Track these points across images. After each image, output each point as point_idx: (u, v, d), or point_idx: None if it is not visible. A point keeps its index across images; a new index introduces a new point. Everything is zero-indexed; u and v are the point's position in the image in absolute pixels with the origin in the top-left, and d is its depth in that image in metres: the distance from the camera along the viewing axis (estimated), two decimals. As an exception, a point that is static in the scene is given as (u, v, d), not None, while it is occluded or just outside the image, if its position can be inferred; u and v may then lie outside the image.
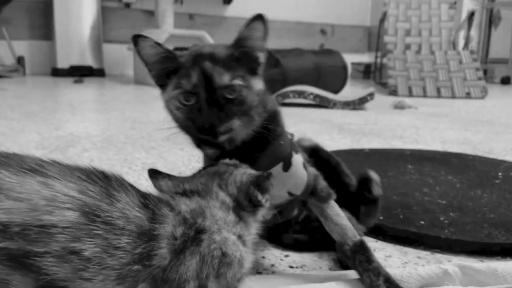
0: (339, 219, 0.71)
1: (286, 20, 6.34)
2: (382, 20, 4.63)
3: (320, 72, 3.39)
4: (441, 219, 0.95)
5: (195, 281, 0.44)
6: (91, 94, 3.44)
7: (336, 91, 3.53)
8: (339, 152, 1.57)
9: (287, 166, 0.69)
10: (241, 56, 0.65)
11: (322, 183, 0.74)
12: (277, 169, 0.68)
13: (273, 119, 0.70)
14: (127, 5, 5.13)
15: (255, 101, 0.65)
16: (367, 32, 7.12)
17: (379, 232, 0.92)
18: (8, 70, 4.51)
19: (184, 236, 0.45)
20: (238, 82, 0.63)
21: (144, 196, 0.45)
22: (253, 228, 0.53)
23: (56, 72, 4.59)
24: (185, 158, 1.49)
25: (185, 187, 0.54)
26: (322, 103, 2.85)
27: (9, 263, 0.36)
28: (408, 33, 4.39)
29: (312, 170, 0.75)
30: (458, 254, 0.84)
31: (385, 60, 5.14)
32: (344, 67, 3.50)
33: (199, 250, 0.45)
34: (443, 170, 1.35)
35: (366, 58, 6.90)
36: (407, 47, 4.28)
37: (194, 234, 0.46)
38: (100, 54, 4.80)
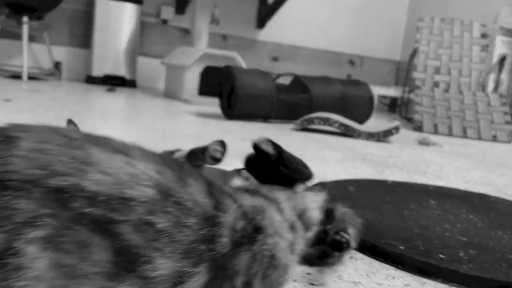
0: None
1: (315, 48, 6.43)
2: (412, 56, 4.67)
3: (347, 101, 3.43)
4: (461, 254, 0.97)
5: (244, 276, 0.48)
6: (122, 103, 3.55)
7: (361, 121, 3.56)
8: (361, 181, 1.59)
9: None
10: None
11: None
12: None
13: None
14: (164, 22, 5.31)
15: None
16: (395, 66, 7.16)
17: (398, 261, 0.94)
18: (45, 74, 4.70)
19: (243, 231, 0.49)
20: None
21: (210, 185, 0.50)
22: (303, 241, 0.57)
23: (90, 80, 4.75)
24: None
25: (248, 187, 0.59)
26: (347, 132, 2.88)
27: (92, 227, 0.40)
28: (437, 71, 4.41)
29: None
30: (475, 290, 0.86)
31: (412, 96, 5.16)
32: (370, 98, 3.54)
33: (253, 248, 0.50)
34: (464, 209, 1.37)
35: (392, 92, 6.92)
36: (436, 84, 4.29)
37: (251, 231, 0.50)
38: (133, 66, 4.95)
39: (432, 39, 4.64)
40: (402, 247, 0.97)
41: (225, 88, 3.21)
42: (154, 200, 0.43)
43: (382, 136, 2.83)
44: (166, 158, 0.49)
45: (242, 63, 4.22)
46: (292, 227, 0.55)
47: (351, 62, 6.85)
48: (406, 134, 3.41)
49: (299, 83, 3.45)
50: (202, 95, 4.22)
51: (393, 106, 6.14)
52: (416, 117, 3.88)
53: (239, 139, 2.33)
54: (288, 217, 0.55)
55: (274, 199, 0.56)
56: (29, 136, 0.43)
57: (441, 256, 0.94)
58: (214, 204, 0.48)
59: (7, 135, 0.43)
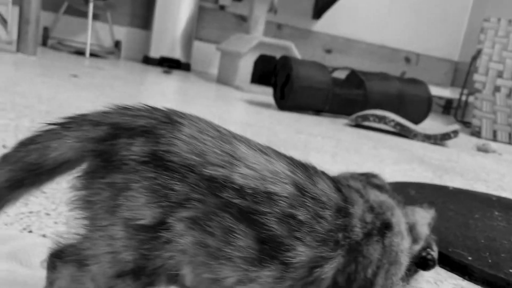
0: None
1: (370, 42, 6.29)
2: (475, 58, 4.48)
3: (403, 100, 3.35)
4: (532, 271, 0.94)
5: (373, 268, 0.51)
6: (178, 85, 3.63)
7: (416, 122, 3.47)
8: (422, 185, 1.57)
9: None
10: None
11: None
12: None
13: None
14: (222, 8, 5.35)
15: None
16: (453, 67, 6.90)
17: (466, 272, 0.93)
18: (105, 52, 4.86)
19: (372, 224, 0.52)
20: None
21: (335, 181, 0.53)
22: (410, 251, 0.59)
23: (147, 60, 4.88)
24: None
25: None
26: (402, 132, 2.82)
27: (237, 215, 0.44)
28: (500, 74, 4.22)
29: None
30: (548, 310, 0.83)
31: (471, 99, 4.97)
32: (429, 99, 3.44)
33: (383, 242, 0.52)
34: (531, 223, 1.32)
35: (448, 93, 6.69)
36: (497, 89, 4.11)
37: (380, 225, 0.52)
38: (189, 50, 5.03)
39: (497, 41, 4.43)
40: (470, 258, 0.95)
41: (280, 78, 3.21)
42: (294, 195, 0.46)
43: (440, 139, 2.75)
44: (293, 159, 0.52)
45: (297, 54, 4.20)
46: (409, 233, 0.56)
47: (407, 59, 6.66)
48: (463, 139, 3.30)
49: (355, 78, 3.41)
50: (254, 83, 4.24)
51: (447, 108, 5.95)
52: (475, 121, 3.74)
53: (293, 131, 2.34)
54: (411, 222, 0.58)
55: (397, 200, 0.58)
56: (190, 123, 0.47)
57: (511, 270, 0.92)
58: (343, 198, 0.51)
59: (171, 118, 0.47)
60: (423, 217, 0.67)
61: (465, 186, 1.77)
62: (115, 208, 0.43)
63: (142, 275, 0.45)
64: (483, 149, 2.82)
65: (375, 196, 0.56)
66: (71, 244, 0.47)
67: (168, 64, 4.86)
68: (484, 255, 0.99)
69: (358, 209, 0.52)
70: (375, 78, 3.36)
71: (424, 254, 0.72)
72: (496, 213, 1.38)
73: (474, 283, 0.90)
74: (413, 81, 3.53)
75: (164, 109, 0.50)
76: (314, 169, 0.53)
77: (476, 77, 4.29)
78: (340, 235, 0.48)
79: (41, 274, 0.58)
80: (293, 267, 0.45)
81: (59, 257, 0.48)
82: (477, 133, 3.67)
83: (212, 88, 3.91)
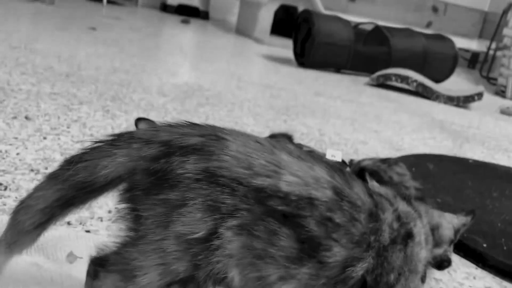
0: None
1: (398, -10, 6.01)
2: (506, 11, 4.26)
3: (428, 57, 3.25)
4: (546, 260, 0.94)
5: (395, 274, 0.54)
6: (197, 38, 3.57)
7: (440, 80, 3.38)
8: (441, 157, 1.55)
9: None
10: None
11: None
12: None
13: None
14: (242, -49, 5.12)
15: None
16: (482, 17, 6.59)
17: (480, 259, 0.94)
18: (123, -1, 4.76)
19: (397, 231, 0.54)
20: None
21: (367, 187, 0.55)
22: (431, 255, 0.60)
23: (165, 8, 4.77)
24: (289, 133, 1.55)
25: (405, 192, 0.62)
26: (424, 93, 2.76)
27: (281, 219, 0.47)
28: (531, 29, 4.02)
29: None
30: (559, 302, 0.85)
31: (498, 54, 4.79)
32: (454, 57, 3.33)
33: (405, 250, 0.54)
34: (551, 203, 1.31)
35: (475, 45, 6.44)
36: (527, 44, 3.94)
37: (404, 234, 0.55)
38: (208, -3, 4.89)
39: (532, -7, 4.19)
40: (485, 245, 0.96)
41: (301, 33, 3.13)
42: (332, 200, 0.49)
43: (462, 102, 2.69)
44: (330, 163, 0.55)
45: (320, 4, 4.05)
46: (426, 241, 0.58)
47: (434, 9, 6.37)
48: (487, 100, 3.22)
49: (379, 34, 3.29)
50: (274, 34, 4.14)
51: (473, 61, 5.75)
52: (500, 80, 3.63)
53: (313, 93, 2.31)
54: (427, 231, 0.59)
55: (420, 212, 0.59)
56: (234, 139, 0.49)
57: (526, 260, 0.93)
58: (375, 203, 0.53)
59: (217, 135, 0.49)
60: (449, 221, 0.68)
61: (486, 157, 1.75)
62: (168, 223, 0.45)
63: (191, 283, 0.48)
64: (507, 113, 2.75)
65: (403, 206, 0.58)
66: (115, 252, 0.49)
67: (187, 13, 4.76)
68: (500, 241, 0.99)
69: (388, 216, 0.54)
70: (400, 34, 3.24)
71: (441, 256, 0.73)
72: (515, 190, 1.36)
73: (488, 271, 0.91)
74: (439, 38, 3.40)
75: (209, 126, 0.52)
76: (350, 174, 0.55)
77: (506, 31, 4.10)
78: (372, 238, 0.51)
79: (67, 269, 0.61)
80: (329, 266, 0.49)
81: (102, 266, 0.49)
82: (501, 93, 3.56)
83: (230, 40, 3.84)
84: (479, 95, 2.65)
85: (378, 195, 0.56)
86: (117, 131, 1.20)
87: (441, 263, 0.72)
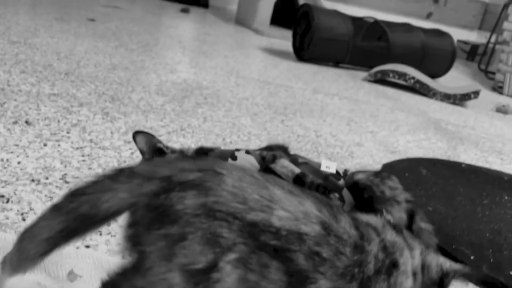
0: (285, 167, 0.91)
1: (398, -19, 5.98)
2: (507, 5, 4.25)
3: (427, 53, 3.25)
4: (531, 272, 0.98)
5: None
6: (196, 30, 3.56)
7: (438, 75, 3.40)
8: (434, 162, 1.58)
9: (234, 158, 0.93)
10: (154, 156, 0.91)
11: (267, 153, 0.94)
12: (230, 161, 0.92)
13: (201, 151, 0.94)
14: None
15: None
16: (483, 9, 6.56)
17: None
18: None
19: (383, 262, 0.57)
20: None
21: (354, 219, 0.58)
22: None
23: (165, -4, 4.74)
24: (285, 134, 1.57)
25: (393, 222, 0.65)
26: (421, 90, 2.78)
27: (272, 253, 0.50)
28: (531, 24, 4.02)
29: (259, 152, 0.96)
30: (540, 315, 0.88)
31: (498, 47, 4.78)
32: (452, 53, 3.34)
33: (389, 280, 0.57)
34: (540, 210, 1.34)
35: (475, 37, 6.43)
36: (526, 39, 3.94)
37: (389, 264, 0.57)
38: (207, -15, 4.86)
39: (534, -13, 4.17)
40: (472, 257, 0.99)
41: (300, 27, 3.12)
42: (320, 235, 0.53)
43: (459, 99, 2.71)
44: (319, 197, 0.58)
45: (320, -4, 4.03)
46: (414, 272, 0.60)
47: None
48: (484, 96, 3.23)
49: (378, 28, 3.29)
50: (274, 24, 4.12)
51: (472, 54, 5.74)
52: (498, 76, 3.64)
53: (311, 90, 2.32)
54: (416, 265, 0.61)
55: (410, 245, 0.63)
56: (230, 173, 0.52)
57: (511, 273, 0.96)
58: (361, 236, 0.56)
59: (214, 170, 0.52)
60: (439, 264, 0.69)
61: (479, 159, 1.78)
62: (171, 256, 0.48)
63: None
64: (502, 111, 2.77)
65: (390, 236, 0.61)
66: (126, 279, 0.52)
67: (187, 1, 4.73)
68: (487, 252, 1.03)
69: (374, 247, 0.57)
70: (399, 29, 3.24)
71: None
72: (506, 197, 1.39)
73: (474, 283, 0.94)
74: (438, 33, 3.40)
75: (207, 160, 0.55)
76: (337, 207, 0.58)
77: (506, 25, 4.09)
78: (356, 270, 0.54)
79: (68, 287, 0.64)
80: None
81: None
82: (499, 89, 3.58)
83: (230, 31, 3.83)
84: (475, 93, 2.67)
85: (366, 225, 0.59)
86: (116, 135, 1.22)
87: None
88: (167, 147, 0.95)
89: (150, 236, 0.48)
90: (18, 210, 0.80)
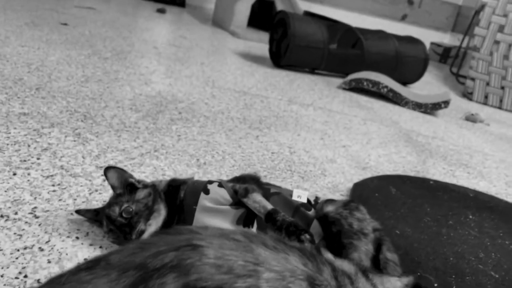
0: (257, 202, 0.93)
1: (374, -18, 6.05)
2: (478, 12, 4.36)
3: (400, 60, 3.32)
4: (491, 298, 1.02)
5: None
6: (173, 33, 3.52)
7: (411, 81, 3.47)
8: (404, 179, 1.62)
9: (206, 191, 0.95)
10: (125, 190, 0.93)
11: (240, 186, 0.97)
12: (202, 196, 0.94)
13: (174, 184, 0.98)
14: None
15: (141, 204, 0.90)
16: (456, 11, 6.70)
17: (430, 298, 1.01)
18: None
19: None
20: (124, 206, 0.89)
21: (334, 270, 0.61)
22: None
23: (140, -6, 4.68)
24: (260, 152, 1.59)
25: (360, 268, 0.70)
26: (394, 99, 2.83)
27: None
28: (501, 29, 4.13)
29: (231, 185, 0.98)
30: None
31: (469, 51, 4.89)
32: (425, 60, 3.41)
33: None
34: (501, 229, 1.40)
35: (448, 39, 6.56)
36: (496, 43, 4.05)
37: None
38: (184, -16, 4.82)
39: (504, -7, 4.28)
40: (436, 285, 1.03)
41: (277, 33, 3.14)
42: None
43: (430, 109, 2.77)
44: (302, 249, 0.60)
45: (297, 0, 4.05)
46: None
47: (410, 2, 6.44)
48: (455, 104, 3.32)
49: (353, 35, 3.33)
50: (251, 26, 4.12)
51: (445, 56, 5.87)
52: (468, 83, 3.73)
53: (286, 101, 2.34)
54: None
55: (377, 285, 0.67)
56: (210, 243, 0.52)
57: (472, 300, 1.01)
58: (339, 285, 0.59)
59: (191, 244, 0.52)
60: (394, 286, 0.74)
61: (447, 173, 1.83)
62: None
63: None
64: (471, 120, 2.85)
65: (362, 284, 0.65)
66: None
67: (163, 0, 4.68)
68: (450, 279, 1.07)
69: None
70: (374, 36, 3.29)
71: None
72: (471, 216, 1.45)
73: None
74: (412, 40, 3.46)
75: (182, 233, 0.55)
76: (320, 257, 0.61)
77: (477, 30, 4.20)
78: None
79: None
80: None
81: None
82: (469, 95, 3.67)
83: (207, 34, 3.81)
84: (446, 103, 2.74)
85: (342, 274, 0.63)
86: (87, 159, 1.21)
87: None
88: (138, 182, 0.96)
89: None
90: (-14, 252, 0.79)
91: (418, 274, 1.06)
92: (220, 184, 0.97)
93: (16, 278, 0.75)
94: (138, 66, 2.28)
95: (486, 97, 3.66)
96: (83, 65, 2.05)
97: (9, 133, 1.25)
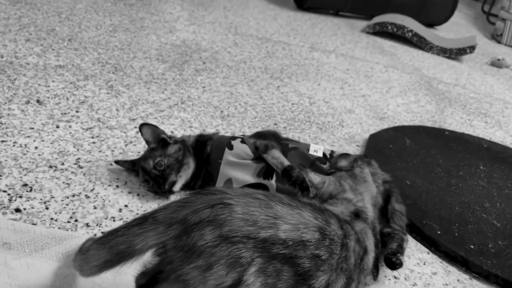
0: (275, 159, 1.01)
1: None
2: None
3: (427, 1, 3.22)
4: (490, 246, 1.12)
5: (355, 285, 0.75)
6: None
7: (438, 23, 3.39)
8: (419, 130, 1.68)
9: (230, 147, 1.03)
10: (158, 145, 1.03)
11: (260, 142, 1.05)
12: (227, 151, 1.02)
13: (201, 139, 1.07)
14: None
15: (172, 158, 1.00)
16: None
17: (432, 243, 1.11)
18: None
19: (358, 254, 0.74)
20: (157, 159, 0.99)
21: (339, 220, 0.74)
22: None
23: None
24: (280, 103, 1.65)
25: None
26: (418, 43, 2.80)
27: (283, 260, 0.63)
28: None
29: (253, 141, 1.06)
30: (491, 285, 1.03)
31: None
32: (454, 1, 3.30)
33: (362, 265, 0.76)
34: (510, 180, 1.47)
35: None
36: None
37: (362, 254, 0.76)
38: None
39: None
40: (439, 232, 1.12)
41: (301, -27, 3.07)
42: (318, 240, 0.67)
43: (455, 54, 2.74)
44: (312, 204, 0.72)
45: None
46: (376, 245, 0.79)
47: None
48: (481, 46, 3.25)
49: (380, -26, 3.23)
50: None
51: (478, -7, 5.59)
52: (498, 24, 3.62)
53: (308, 47, 2.36)
54: (374, 237, 0.81)
55: (369, 221, 0.81)
56: (237, 202, 0.64)
57: (471, 247, 1.10)
58: (345, 234, 0.72)
59: (223, 202, 0.63)
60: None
61: (464, 123, 1.87)
62: (205, 281, 0.60)
63: None
64: (497, 65, 2.82)
65: (358, 225, 0.79)
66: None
67: None
68: (454, 227, 1.16)
69: (352, 242, 0.73)
70: (401, -24, 3.18)
71: (394, 259, 0.90)
72: (482, 167, 1.51)
73: (438, 255, 1.09)
74: (441, -21, 3.34)
75: (214, 192, 0.66)
76: (328, 211, 0.73)
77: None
78: (344, 264, 0.70)
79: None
80: None
81: None
82: (498, 37, 3.58)
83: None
84: (471, 48, 2.70)
85: (346, 223, 0.76)
86: (121, 112, 1.31)
87: (394, 265, 0.89)
88: (170, 137, 1.05)
89: (185, 270, 0.60)
90: (41, 199, 0.92)
91: (423, 222, 1.15)
92: (243, 140, 1.06)
93: (68, 222, 0.88)
94: (163, 13, 2.31)
95: (515, 39, 3.56)
96: (110, 13, 2.10)
97: (49, 86, 1.35)
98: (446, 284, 1.00)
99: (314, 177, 0.95)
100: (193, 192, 0.66)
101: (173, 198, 1.02)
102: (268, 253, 0.62)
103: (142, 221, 0.63)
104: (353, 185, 0.97)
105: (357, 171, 1.02)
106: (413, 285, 0.96)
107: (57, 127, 1.17)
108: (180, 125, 1.32)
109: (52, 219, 0.88)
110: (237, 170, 1.02)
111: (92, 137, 1.16)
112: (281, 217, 0.65)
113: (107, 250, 0.62)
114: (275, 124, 1.47)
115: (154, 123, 1.29)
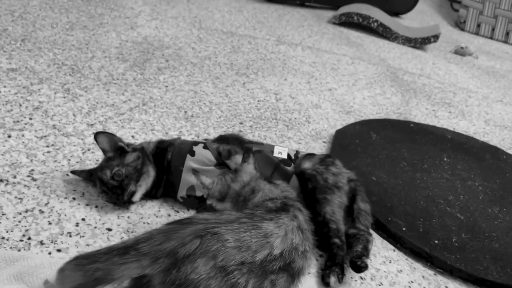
0: (237, 165, 1.00)
1: None
2: None
3: (392, -10, 3.24)
4: (454, 240, 1.13)
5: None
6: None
7: (403, 12, 3.42)
8: (385, 123, 1.69)
9: (192, 153, 1.01)
10: (115, 154, 0.99)
11: (223, 148, 1.03)
12: (189, 157, 1.00)
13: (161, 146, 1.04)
14: None
15: (131, 167, 0.96)
16: None
17: (398, 240, 1.11)
18: None
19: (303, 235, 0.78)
20: (115, 170, 0.95)
21: (302, 210, 0.81)
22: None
23: None
24: (246, 100, 1.63)
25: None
26: (384, 33, 2.82)
27: (279, 271, 0.66)
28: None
29: (216, 146, 1.04)
30: (456, 279, 1.05)
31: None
32: (418, -11, 3.33)
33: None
34: (473, 171, 1.49)
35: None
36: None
37: (302, 233, 0.79)
38: None
39: None
40: (404, 228, 1.13)
41: (265, -36, 3.03)
42: (301, 238, 0.73)
43: (419, 43, 2.77)
44: (285, 208, 0.77)
45: None
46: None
47: None
48: (445, 33, 3.29)
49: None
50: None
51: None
52: (461, 11, 3.67)
53: (274, 41, 2.33)
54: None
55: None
56: (226, 229, 0.64)
57: (436, 242, 1.11)
58: (305, 220, 0.80)
59: (211, 232, 0.63)
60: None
61: (429, 114, 1.89)
62: None
63: None
64: (460, 53, 2.86)
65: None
66: None
67: None
68: (418, 222, 1.17)
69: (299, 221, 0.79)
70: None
71: (359, 263, 0.89)
72: (445, 159, 1.53)
73: (404, 252, 1.10)
74: (405, -32, 3.36)
75: (195, 221, 0.65)
76: (292, 208, 0.79)
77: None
78: (310, 245, 0.77)
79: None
80: (295, 272, 0.72)
81: None
82: (461, 24, 3.63)
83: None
84: (435, 37, 2.74)
85: (306, 221, 0.82)
86: (78, 117, 1.26)
87: (359, 268, 0.89)
88: (128, 145, 1.02)
89: None
90: (-9, 217, 0.87)
91: (389, 219, 1.16)
92: (205, 146, 1.03)
93: (21, 240, 0.84)
94: (123, 8, 2.24)
95: (478, 25, 3.62)
96: (66, 10, 2.02)
97: (0, 92, 1.29)
98: (412, 282, 1.01)
99: (205, 179, 0.98)
100: (173, 222, 0.66)
101: (133, 208, 0.98)
102: (265, 271, 0.65)
103: (123, 252, 0.60)
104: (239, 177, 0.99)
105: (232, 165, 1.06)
106: (379, 285, 0.96)
107: (9, 136, 1.11)
108: (141, 129, 1.28)
109: (3, 238, 0.83)
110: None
111: (47, 146, 1.11)
112: (271, 233, 0.69)
113: (82, 274, 0.60)
114: (241, 123, 1.44)
115: (114, 127, 1.24)
